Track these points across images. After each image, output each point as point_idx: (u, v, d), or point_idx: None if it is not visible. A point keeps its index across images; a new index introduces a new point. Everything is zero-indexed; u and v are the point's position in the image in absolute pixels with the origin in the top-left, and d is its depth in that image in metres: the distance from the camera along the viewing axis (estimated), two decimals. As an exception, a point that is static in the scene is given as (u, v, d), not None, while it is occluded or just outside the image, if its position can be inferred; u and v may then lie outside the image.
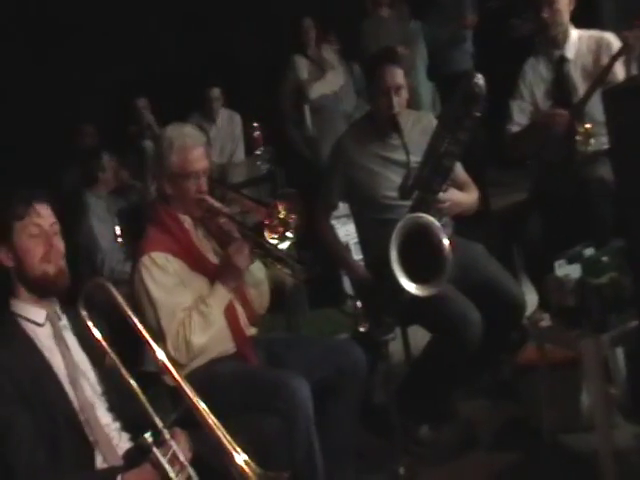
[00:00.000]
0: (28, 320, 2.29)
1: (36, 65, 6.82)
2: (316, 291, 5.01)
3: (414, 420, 3.36)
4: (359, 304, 2.72)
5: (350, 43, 6.73)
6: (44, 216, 2.32)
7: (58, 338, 2.31)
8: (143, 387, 2.52)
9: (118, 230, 4.99)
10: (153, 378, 2.69)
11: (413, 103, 6.24)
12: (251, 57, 7.34)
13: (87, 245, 4.88)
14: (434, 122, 3.46)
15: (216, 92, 6.31)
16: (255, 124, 6.10)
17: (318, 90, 6.31)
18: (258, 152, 6.04)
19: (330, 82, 6.33)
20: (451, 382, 3.30)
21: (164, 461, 2.14)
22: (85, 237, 4.89)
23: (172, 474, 2.14)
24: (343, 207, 4.03)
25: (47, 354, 2.26)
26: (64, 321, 2.37)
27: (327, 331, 4.69)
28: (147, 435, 2.15)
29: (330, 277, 5.00)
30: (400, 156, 3.29)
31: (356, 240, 4.19)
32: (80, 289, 2.35)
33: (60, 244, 2.35)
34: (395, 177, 3.33)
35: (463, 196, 3.38)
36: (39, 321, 2.30)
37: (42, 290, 2.32)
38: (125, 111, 6.34)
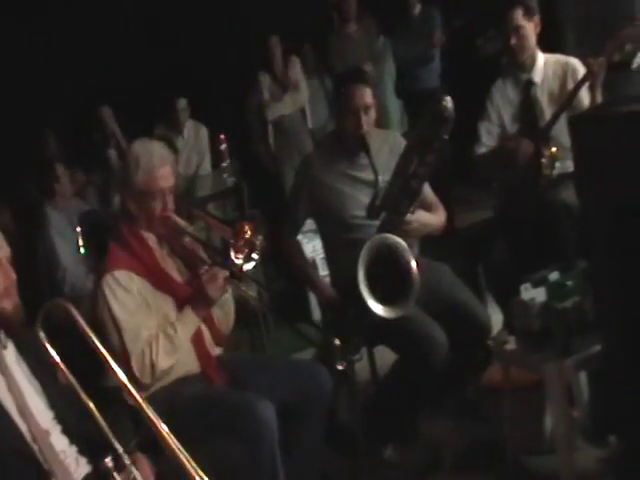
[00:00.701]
0: None
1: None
2: (281, 306, 4.99)
3: (379, 441, 3.36)
4: (337, 342, 2.71)
5: (324, 56, 6.74)
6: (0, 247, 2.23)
7: (3, 368, 2.21)
8: (104, 403, 2.47)
9: (80, 241, 4.93)
10: (114, 394, 2.64)
11: (381, 120, 6.30)
12: (219, 68, 7.32)
13: (47, 260, 4.79)
14: (402, 142, 3.48)
15: (183, 103, 6.28)
16: (221, 136, 6.07)
17: (277, 111, 6.32)
18: (224, 164, 6.02)
19: (288, 104, 6.33)
20: (416, 403, 3.30)
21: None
22: (45, 252, 4.80)
23: None
24: (309, 222, 4.02)
25: None
26: (10, 347, 2.26)
27: (292, 347, 4.66)
28: (107, 460, 2.11)
29: (295, 292, 4.99)
30: (368, 175, 3.28)
31: (322, 256, 4.20)
32: (38, 310, 2.29)
33: (14, 274, 2.24)
34: (363, 197, 3.32)
35: (430, 217, 3.38)
36: None
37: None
38: (89, 119, 6.27)
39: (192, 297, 2.85)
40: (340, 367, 2.73)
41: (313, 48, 6.73)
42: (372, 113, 3.36)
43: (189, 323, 2.83)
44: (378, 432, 3.31)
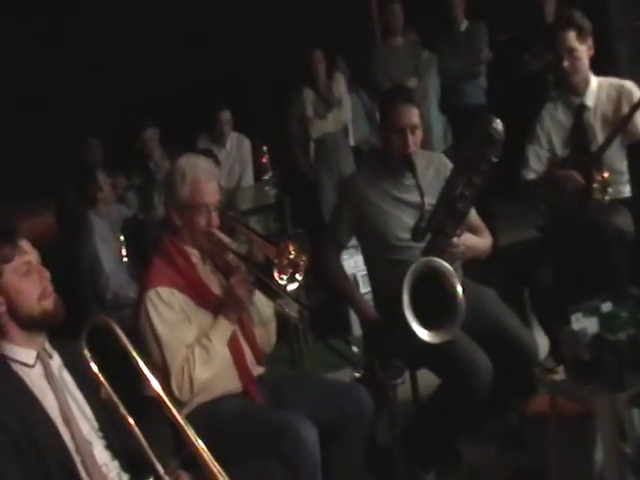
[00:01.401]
0: (17, 362, 2.22)
1: (47, 76, 6.80)
2: (321, 321, 4.95)
3: (419, 465, 3.30)
4: (355, 349, 2.68)
5: (358, 70, 6.69)
6: (29, 251, 2.26)
7: (50, 378, 2.24)
8: (146, 413, 2.50)
9: (124, 251, 4.94)
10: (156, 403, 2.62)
11: (425, 135, 6.24)
12: (261, 80, 7.34)
13: (90, 267, 4.82)
14: (447, 163, 3.45)
15: (226, 115, 6.26)
16: (264, 148, 6.07)
17: (319, 129, 6.26)
18: (266, 177, 6.02)
19: (332, 122, 6.28)
20: (458, 428, 3.24)
21: None
22: (89, 259, 4.83)
23: None
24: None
25: (39, 395, 2.20)
26: (55, 357, 2.31)
27: (332, 363, 4.62)
28: None
29: (335, 307, 4.95)
30: (413, 197, 3.23)
31: (364, 272, 4.15)
32: (83, 327, 2.30)
33: (47, 272, 2.28)
34: (407, 218, 3.27)
35: (477, 240, 3.33)
36: (29, 362, 2.23)
37: (41, 327, 2.27)
38: (133, 129, 6.29)
39: (224, 303, 2.84)
40: (357, 374, 2.71)
41: (347, 62, 6.68)
42: (419, 133, 3.32)
43: (222, 330, 2.82)
44: (419, 456, 3.26)
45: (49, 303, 2.25)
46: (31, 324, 2.24)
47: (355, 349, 2.80)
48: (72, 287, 4.70)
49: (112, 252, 4.88)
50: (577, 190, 3.53)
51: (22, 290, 2.21)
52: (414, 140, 3.28)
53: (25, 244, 2.26)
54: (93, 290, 4.80)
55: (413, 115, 3.28)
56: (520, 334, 3.25)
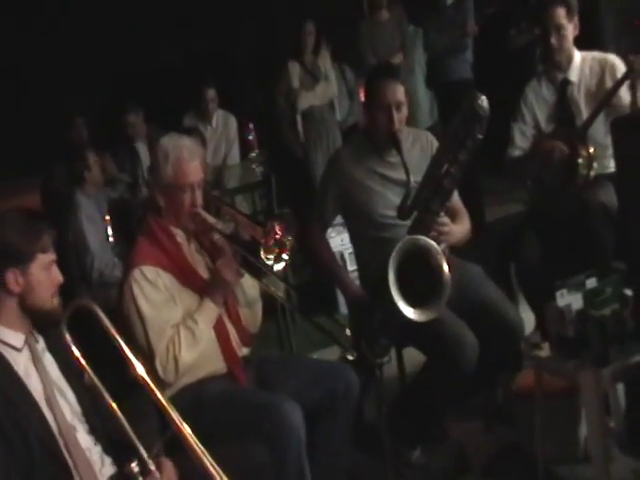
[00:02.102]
0: (6, 344, 2.22)
1: (29, 56, 6.74)
2: (308, 299, 4.95)
3: (406, 442, 3.31)
4: (348, 332, 2.68)
5: (342, 45, 6.64)
6: (53, 251, 2.30)
7: (36, 362, 2.25)
8: (131, 393, 2.46)
9: (110, 230, 4.93)
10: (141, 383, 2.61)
11: (410, 110, 6.21)
12: (248, 57, 7.28)
13: (76, 246, 4.81)
14: (433, 141, 3.44)
15: (212, 93, 6.22)
16: (250, 125, 6.04)
17: (307, 101, 6.24)
18: (253, 154, 5.99)
19: (320, 95, 6.26)
20: (444, 404, 3.25)
21: None
22: (75, 237, 4.82)
23: None
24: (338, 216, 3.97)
25: (24, 378, 2.20)
26: (40, 342, 2.31)
27: (320, 341, 4.62)
28: (133, 465, 2.11)
29: (322, 285, 4.94)
30: (399, 175, 3.21)
31: (351, 250, 4.12)
32: (64, 309, 2.30)
33: (61, 278, 2.34)
34: (393, 196, 3.26)
35: (457, 227, 3.29)
36: (17, 346, 2.24)
37: (42, 321, 2.29)
38: (118, 108, 6.24)
39: (209, 284, 2.82)
40: (350, 357, 2.71)
41: (329, 38, 6.63)
42: (404, 110, 3.29)
43: (208, 312, 2.80)
44: (406, 433, 3.27)
45: (57, 301, 2.29)
46: (35, 314, 2.26)
47: (348, 332, 2.79)
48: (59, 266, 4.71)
49: (98, 232, 4.87)
50: (563, 160, 3.52)
51: (42, 283, 2.25)
52: (399, 117, 3.25)
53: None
54: (79, 270, 4.79)
55: (398, 92, 3.26)
56: (506, 310, 3.25)
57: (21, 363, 2.21)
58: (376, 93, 3.28)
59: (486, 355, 3.08)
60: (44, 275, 2.26)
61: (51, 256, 2.28)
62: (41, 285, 2.25)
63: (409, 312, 2.86)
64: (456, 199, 3.37)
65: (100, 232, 4.89)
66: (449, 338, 3.04)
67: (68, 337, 2.27)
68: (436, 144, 3.38)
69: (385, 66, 3.71)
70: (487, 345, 3.08)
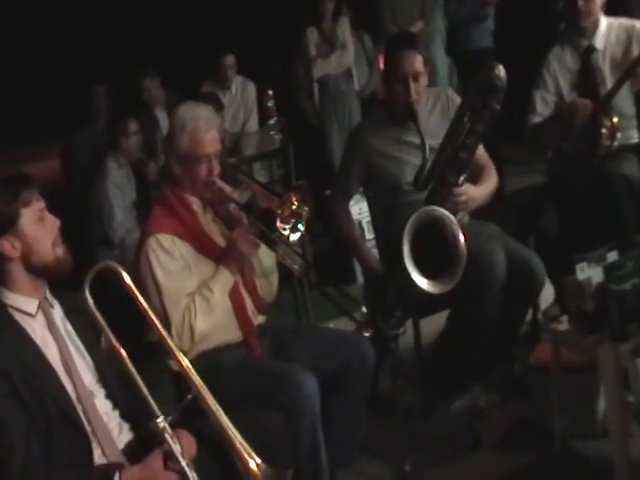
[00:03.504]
0: (20, 311, 2.21)
1: (47, 24, 6.70)
2: (325, 268, 4.94)
3: (441, 395, 3.32)
4: (364, 309, 2.67)
5: (362, 13, 6.55)
6: (40, 198, 2.25)
7: (51, 327, 2.24)
8: (146, 359, 2.55)
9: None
10: (158, 349, 2.62)
11: (430, 78, 6.12)
12: (267, 23, 7.20)
13: (101, 210, 4.83)
14: (455, 97, 3.41)
15: (230, 59, 6.17)
16: (269, 92, 5.99)
17: (322, 69, 6.19)
18: (271, 122, 5.94)
19: (335, 63, 6.21)
20: (473, 350, 3.20)
21: (176, 448, 2.10)
22: (100, 202, 4.85)
23: (183, 462, 2.09)
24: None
25: (40, 344, 2.20)
26: (56, 307, 2.31)
27: (335, 310, 4.61)
28: (159, 420, 2.12)
29: (340, 255, 4.92)
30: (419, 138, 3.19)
31: (369, 219, 4.11)
32: (88, 271, 2.29)
33: (58, 221, 2.28)
34: (417, 161, 3.22)
35: (479, 190, 3.26)
36: (31, 312, 2.23)
37: (51, 275, 2.26)
38: (137, 77, 6.20)
39: (225, 254, 2.81)
40: (366, 334, 2.70)
41: (350, 7, 6.54)
42: (422, 80, 3.26)
43: (223, 281, 2.80)
44: (441, 385, 3.29)
45: (61, 251, 2.25)
46: (43, 271, 2.23)
47: (364, 309, 2.77)
48: (79, 232, 4.75)
49: (125, 199, 4.91)
50: (585, 129, 3.44)
51: (38, 236, 2.21)
52: (417, 88, 3.23)
53: (37, 191, 2.25)
54: (102, 233, 4.84)
55: (416, 62, 3.22)
56: (527, 256, 3.22)
57: (37, 329, 2.21)
58: (393, 63, 3.26)
59: (509, 305, 3.09)
60: (37, 227, 2.21)
61: (38, 205, 2.22)
62: (38, 239, 2.21)
63: (424, 284, 2.83)
64: (482, 153, 3.32)
65: (127, 200, 4.92)
66: (479, 253, 3.01)
67: (90, 299, 2.26)
68: (457, 99, 3.37)
69: (403, 35, 3.65)
70: (509, 293, 3.07)
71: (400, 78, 3.21)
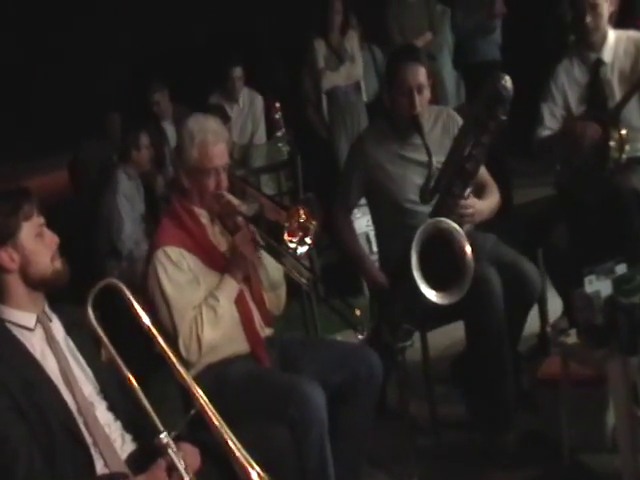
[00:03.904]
0: (18, 325, 2.21)
1: (54, 36, 6.73)
2: (333, 280, 4.93)
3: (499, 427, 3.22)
4: (358, 312, 2.66)
5: (373, 26, 6.57)
6: (40, 214, 2.26)
7: (50, 341, 2.24)
8: (153, 374, 2.55)
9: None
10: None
11: (437, 91, 6.14)
12: (275, 36, 7.22)
13: (109, 222, 4.84)
14: (455, 117, 3.40)
15: (238, 71, 6.18)
16: (277, 104, 6.00)
17: (331, 81, 6.17)
18: (279, 134, 5.95)
19: (344, 76, 6.19)
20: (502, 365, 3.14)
21: (179, 464, 2.09)
22: (109, 213, 4.85)
23: (187, 478, 2.09)
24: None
25: (40, 358, 2.20)
26: (55, 320, 2.30)
27: (343, 323, 4.61)
28: (162, 436, 2.12)
29: (348, 267, 4.92)
30: (422, 157, 3.18)
31: (376, 232, 4.09)
32: (90, 289, 2.29)
33: (57, 239, 2.30)
34: (417, 178, 3.23)
35: (484, 204, 3.26)
36: (29, 326, 2.22)
37: (49, 287, 2.26)
38: (144, 89, 6.23)
39: (228, 262, 2.82)
40: (360, 336, 2.69)
41: (360, 19, 6.55)
42: (426, 93, 3.26)
43: (229, 288, 2.80)
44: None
45: (59, 264, 2.26)
46: (41, 284, 2.23)
47: (357, 312, 2.76)
48: (86, 243, 4.76)
49: (134, 211, 4.92)
50: (595, 142, 3.44)
51: (36, 250, 2.21)
52: (420, 100, 3.23)
53: (37, 205, 2.26)
54: (110, 245, 4.85)
55: (420, 75, 3.23)
56: (521, 265, 3.20)
57: (36, 344, 2.21)
58: (397, 76, 3.25)
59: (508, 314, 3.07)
60: (36, 242, 2.21)
61: (38, 220, 2.23)
62: (37, 253, 2.21)
63: (432, 295, 2.83)
64: (483, 172, 3.30)
65: (136, 212, 4.93)
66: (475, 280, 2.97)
67: (91, 314, 2.26)
68: (458, 119, 3.36)
69: (406, 48, 3.66)
70: (506, 303, 3.06)
71: (404, 91, 3.21)
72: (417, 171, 3.25)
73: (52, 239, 2.26)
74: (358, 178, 3.37)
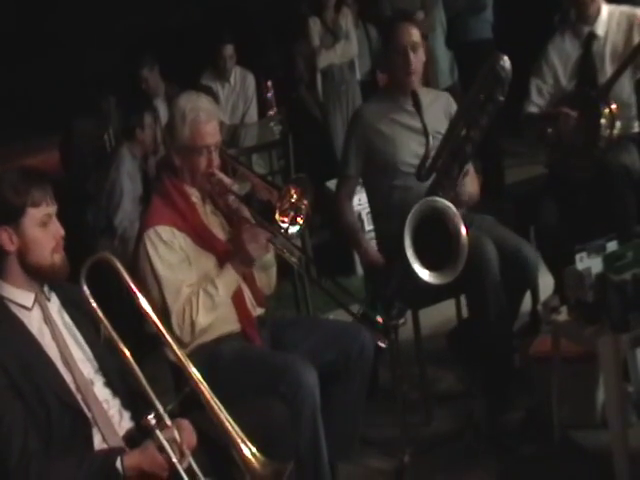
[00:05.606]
0: (16, 304, 2.21)
1: (44, 13, 6.69)
2: (325, 259, 4.94)
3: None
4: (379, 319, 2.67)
5: (369, 5, 6.54)
6: (53, 203, 2.24)
7: (48, 320, 2.24)
8: (147, 350, 2.56)
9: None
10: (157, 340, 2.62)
11: (431, 71, 6.11)
12: (266, 13, 7.17)
13: (109, 198, 4.83)
14: (452, 102, 3.42)
15: (229, 50, 6.12)
16: (269, 83, 5.97)
17: (326, 59, 6.16)
18: (271, 113, 5.91)
19: (340, 53, 6.18)
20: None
21: (167, 445, 2.10)
22: (110, 189, 4.84)
23: (174, 459, 2.09)
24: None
25: (38, 337, 2.20)
26: (54, 299, 2.30)
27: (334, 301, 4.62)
28: (150, 417, 2.12)
29: (340, 246, 4.93)
30: (417, 124, 3.21)
31: (368, 210, 4.10)
32: (83, 264, 2.27)
33: (62, 230, 2.27)
34: (413, 144, 3.27)
35: (473, 188, 3.27)
36: (27, 305, 2.23)
37: (44, 278, 2.25)
38: (135, 68, 6.19)
39: (233, 255, 2.81)
40: (382, 345, 2.68)
41: None
42: (421, 53, 3.30)
43: (230, 281, 2.79)
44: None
45: (58, 258, 2.24)
46: (36, 273, 2.22)
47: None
48: (78, 221, 4.75)
49: (134, 190, 4.89)
50: (576, 128, 3.44)
51: (38, 239, 2.20)
52: (416, 60, 3.26)
53: (51, 195, 2.23)
54: (105, 221, 4.84)
55: (413, 33, 3.27)
56: (519, 245, 3.21)
57: (34, 322, 2.21)
58: (391, 37, 3.30)
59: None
60: (39, 231, 2.19)
61: (46, 210, 2.20)
62: (37, 242, 2.20)
63: (425, 275, 2.83)
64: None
65: (136, 191, 4.90)
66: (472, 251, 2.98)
67: (86, 289, 2.25)
68: (455, 106, 3.37)
69: (399, 13, 3.69)
70: (504, 283, 3.07)
71: (399, 50, 3.25)
72: (412, 137, 3.29)
73: (57, 232, 2.24)
74: (358, 148, 3.40)
